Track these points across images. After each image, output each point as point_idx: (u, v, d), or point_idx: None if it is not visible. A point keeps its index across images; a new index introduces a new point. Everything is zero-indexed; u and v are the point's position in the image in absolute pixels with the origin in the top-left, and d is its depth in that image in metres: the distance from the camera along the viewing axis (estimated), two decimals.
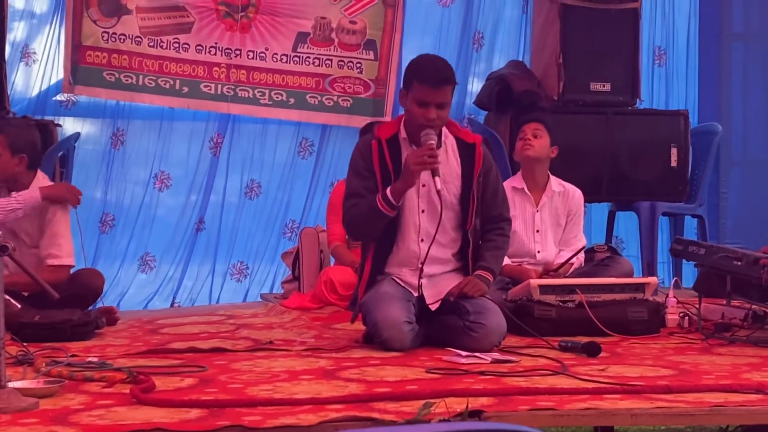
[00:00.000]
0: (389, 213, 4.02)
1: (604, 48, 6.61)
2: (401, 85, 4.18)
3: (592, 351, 3.89)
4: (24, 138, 4.90)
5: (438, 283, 4.17)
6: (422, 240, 4.13)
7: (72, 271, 4.93)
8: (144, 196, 6.71)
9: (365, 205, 4.05)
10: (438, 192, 4.00)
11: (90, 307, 4.84)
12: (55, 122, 6.18)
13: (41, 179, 4.92)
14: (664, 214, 6.71)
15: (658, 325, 4.60)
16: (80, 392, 3.09)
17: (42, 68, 6.53)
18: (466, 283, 4.10)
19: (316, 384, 3.25)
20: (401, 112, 6.56)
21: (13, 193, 4.74)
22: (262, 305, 5.99)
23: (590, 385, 3.17)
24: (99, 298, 4.95)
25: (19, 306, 3.16)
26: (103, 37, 6.42)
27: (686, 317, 4.69)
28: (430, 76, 4.04)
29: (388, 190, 4.00)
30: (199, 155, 6.79)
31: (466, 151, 4.19)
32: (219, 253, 6.79)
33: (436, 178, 3.99)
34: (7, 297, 3.00)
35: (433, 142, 4.00)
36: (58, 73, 6.48)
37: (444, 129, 4.20)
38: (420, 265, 4.13)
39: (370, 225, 4.10)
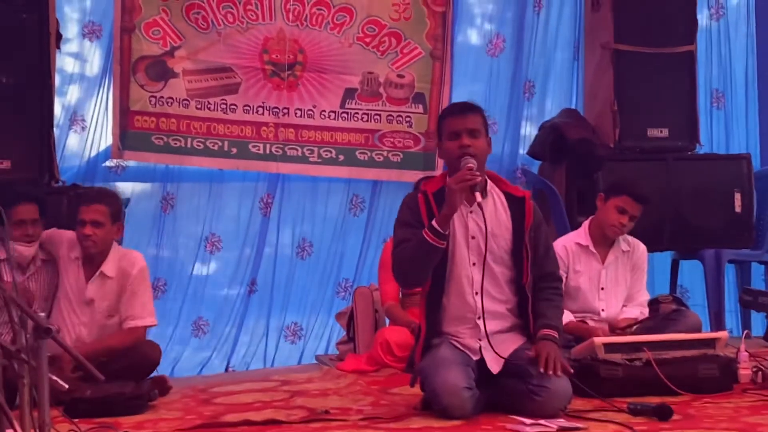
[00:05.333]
0: (438, 243, 3.87)
1: (660, 93, 6.49)
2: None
3: (663, 414, 3.76)
4: (120, 205, 4.93)
5: (499, 345, 4.00)
6: (476, 293, 4.01)
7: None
8: (195, 259, 6.63)
9: (413, 243, 3.93)
10: (479, 204, 3.91)
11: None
12: None
13: (114, 245, 4.89)
14: (729, 261, 6.54)
15: (731, 382, 4.43)
16: None
17: (91, 134, 6.49)
18: (546, 358, 3.87)
19: None
20: None
21: None
22: (317, 368, 5.86)
23: None
24: (154, 371, 4.86)
25: (66, 386, 3.07)
26: (150, 101, 6.39)
27: (759, 372, 4.51)
28: (453, 108, 4.25)
29: (433, 221, 3.89)
30: (250, 216, 6.70)
31: (515, 204, 4.09)
32: (272, 315, 6.67)
33: (477, 193, 3.89)
34: (54, 378, 2.89)
35: (472, 164, 3.91)
36: (107, 139, 6.45)
37: (490, 183, 4.12)
38: (477, 320, 3.99)
39: (420, 261, 3.95)
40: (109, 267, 4.81)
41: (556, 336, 4.02)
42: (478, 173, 3.89)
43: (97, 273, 4.80)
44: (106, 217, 4.76)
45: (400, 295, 5.81)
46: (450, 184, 3.90)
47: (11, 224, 4.91)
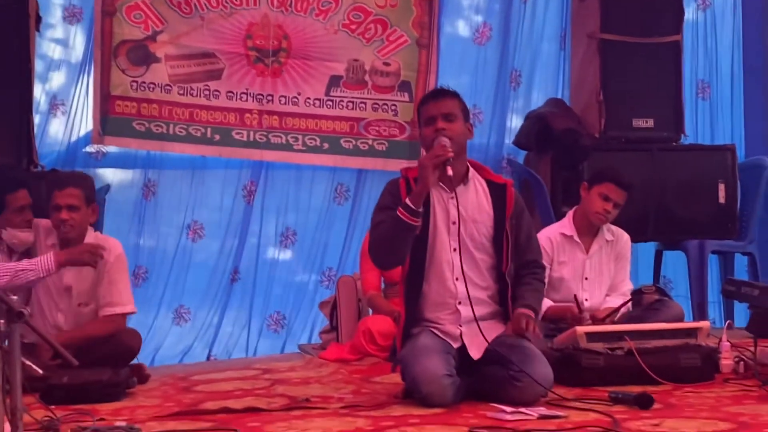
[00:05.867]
0: (411, 221, 3.84)
1: (646, 83, 6.48)
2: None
3: (644, 403, 3.73)
4: (93, 187, 4.85)
5: (480, 332, 3.98)
6: (457, 278, 4.00)
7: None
8: (177, 247, 6.55)
9: (388, 222, 3.90)
10: (449, 177, 3.89)
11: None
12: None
13: (90, 231, 4.80)
14: (713, 252, 6.53)
15: (712, 372, 4.41)
16: None
17: (72, 119, 6.43)
18: (518, 320, 3.94)
19: None
20: None
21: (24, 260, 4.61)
22: (300, 357, 5.83)
23: None
24: (134, 359, 4.81)
25: (41, 372, 3.02)
26: (132, 86, 6.32)
27: (741, 362, 4.49)
28: (428, 94, 4.33)
29: (407, 198, 3.87)
30: (233, 204, 6.65)
31: (496, 192, 4.10)
32: (255, 303, 6.62)
33: (448, 167, 3.86)
34: (28, 362, 2.85)
35: (445, 142, 3.90)
36: (88, 125, 6.39)
37: (472, 170, 4.12)
38: (458, 305, 3.98)
39: (396, 241, 3.90)
40: None
41: (532, 316, 4.01)
42: (450, 150, 3.88)
43: None
44: (81, 201, 4.67)
45: (383, 286, 5.78)
46: (422, 160, 3.92)
47: (11, 211, 4.85)
